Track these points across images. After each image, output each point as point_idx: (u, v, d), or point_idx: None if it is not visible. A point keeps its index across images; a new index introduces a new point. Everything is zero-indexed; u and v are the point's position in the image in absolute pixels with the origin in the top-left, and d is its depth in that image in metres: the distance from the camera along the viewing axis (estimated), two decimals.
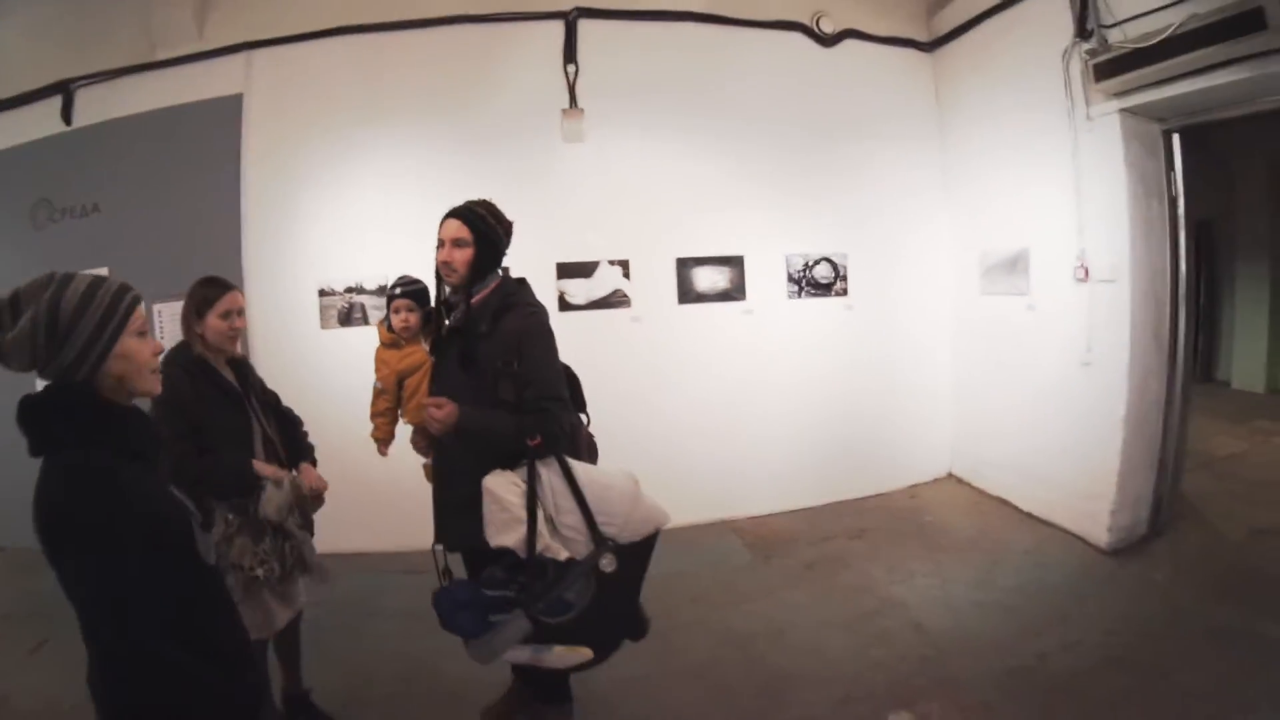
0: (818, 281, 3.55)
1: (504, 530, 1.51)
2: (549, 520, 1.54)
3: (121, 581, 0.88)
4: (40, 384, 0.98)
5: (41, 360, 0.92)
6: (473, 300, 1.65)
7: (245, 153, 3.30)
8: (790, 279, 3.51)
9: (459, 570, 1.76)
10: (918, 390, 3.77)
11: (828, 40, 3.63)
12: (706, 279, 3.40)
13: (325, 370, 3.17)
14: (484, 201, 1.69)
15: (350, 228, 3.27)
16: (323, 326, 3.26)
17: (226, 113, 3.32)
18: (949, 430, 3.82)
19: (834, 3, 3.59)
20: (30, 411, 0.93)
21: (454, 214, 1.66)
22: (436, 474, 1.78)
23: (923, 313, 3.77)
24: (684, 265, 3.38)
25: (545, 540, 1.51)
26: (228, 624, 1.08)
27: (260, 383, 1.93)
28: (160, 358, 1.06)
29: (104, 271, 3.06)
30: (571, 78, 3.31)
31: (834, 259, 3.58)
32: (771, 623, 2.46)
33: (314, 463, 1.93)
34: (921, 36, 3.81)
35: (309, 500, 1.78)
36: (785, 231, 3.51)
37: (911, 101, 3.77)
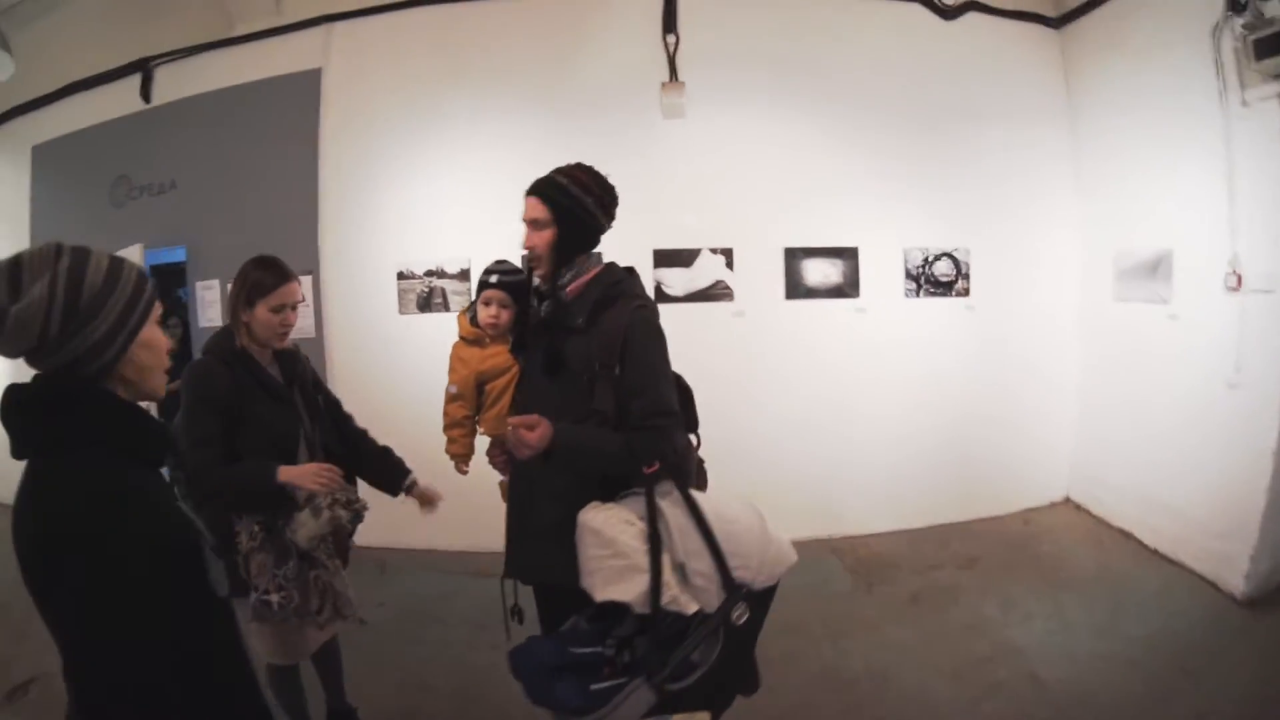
0: (938, 279, 3.09)
1: (616, 580, 1.17)
2: (677, 567, 1.19)
3: (132, 612, 0.73)
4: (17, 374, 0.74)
5: (50, 342, 0.74)
6: (567, 289, 1.32)
7: (323, 129, 3.08)
8: (909, 275, 3.07)
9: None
10: (1038, 404, 3.28)
11: (949, 12, 3.16)
12: (817, 272, 2.99)
13: (402, 357, 2.93)
14: (573, 167, 1.34)
15: (431, 208, 3.00)
16: (401, 311, 3.00)
17: (304, 88, 3.10)
18: (1069, 451, 3.32)
19: None
20: (26, 406, 0.76)
21: (531, 189, 1.32)
22: (513, 496, 1.43)
23: (1049, 317, 3.28)
24: (793, 256, 2.98)
25: (672, 591, 1.17)
26: (231, 660, 0.89)
27: (313, 378, 1.64)
28: (168, 349, 0.88)
29: (181, 250, 2.77)
30: (671, 49, 2.95)
31: (955, 255, 3.12)
32: (873, 664, 2.15)
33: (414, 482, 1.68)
34: (1049, 11, 3.32)
35: (347, 532, 1.50)
36: (903, 223, 3.07)
37: (1038, 83, 3.28)
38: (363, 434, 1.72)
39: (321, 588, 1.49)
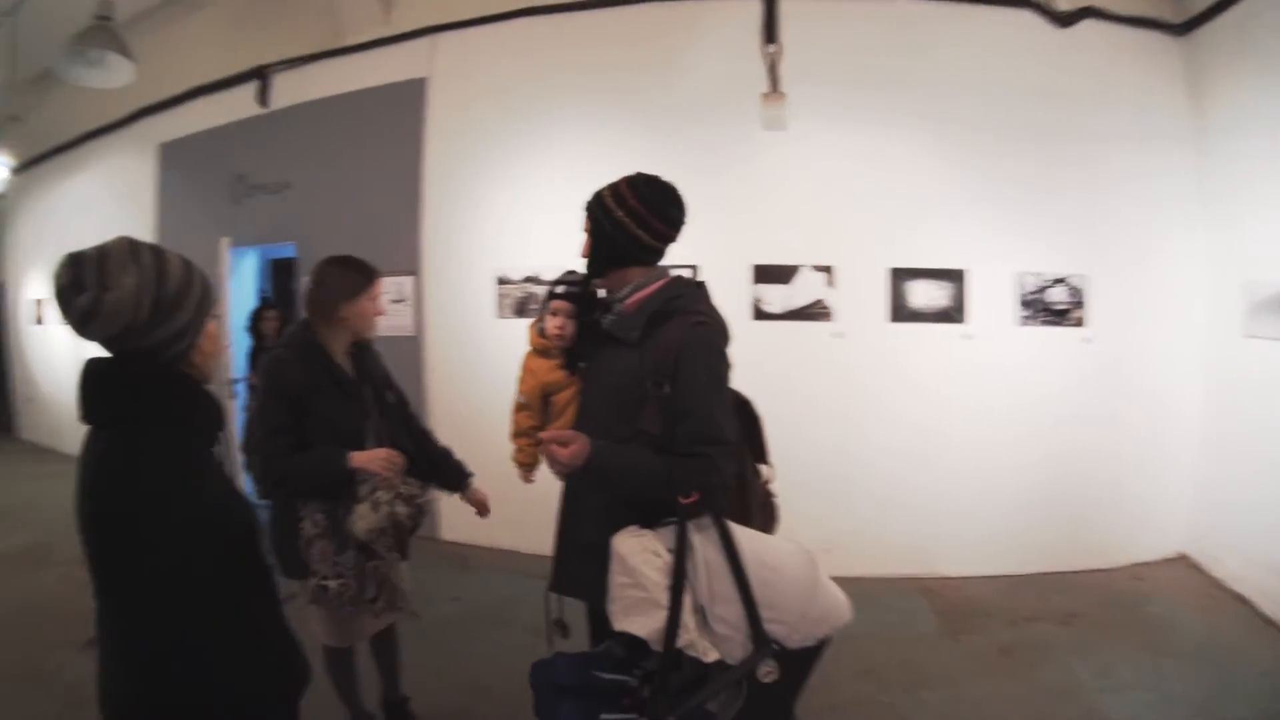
0: (1051, 307, 2.85)
1: (633, 611, 1.09)
2: (699, 609, 1.09)
3: (188, 573, 0.78)
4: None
5: (137, 330, 0.80)
6: (626, 301, 1.24)
7: (428, 136, 3.15)
8: (1022, 302, 2.85)
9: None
10: (1156, 449, 2.98)
11: (1063, 19, 2.93)
12: (923, 294, 2.81)
13: (498, 360, 2.82)
14: (624, 177, 1.25)
15: (530, 215, 3.02)
16: (499, 316, 3.04)
17: (411, 96, 3.19)
18: (1188, 502, 2.99)
19: None
20: (108, 378, 0.82)
21: None
22: (561, 508, 1.41)
23: (1171, 352, 2.97)
24: (898, 277, 2.81)
25: (690, 635, 1.07)
26: (275, 626, 0.96)
27: (384, 375, 1.66)
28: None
29: (292, 247, 2.96)
30: (772, 59, 2.85)
31: (1071, 281, 2.86)
32: None
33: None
34: (1170, 16, 3.01)
35: (407, 528, 1.50)
36: (1015, 245, 2.85)
37: (1159, 95, 2.98)
38: (427, 434, 1.74)
39: (379, 578, 1.51)
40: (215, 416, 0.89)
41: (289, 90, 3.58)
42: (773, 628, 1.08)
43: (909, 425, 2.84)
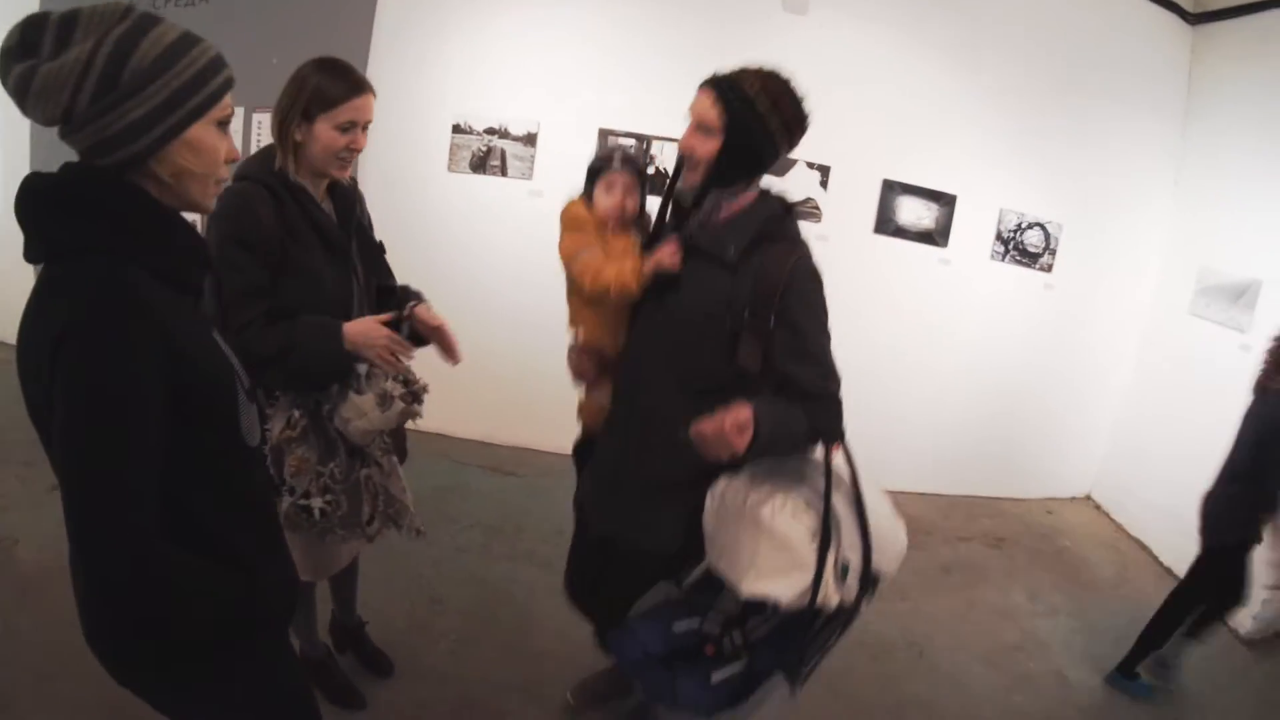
0: (1026, 248, 2.68)
1: (773, 575, 0.97)
2: (840, 564, 1.00)
3: (123, 448, 0.56)
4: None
5: (77, 115, 0.57)
6: (720, 214, 1.03)
7: None
8: (999, 237, 2.66)
9: None
10: (1083, 397, 2.94)
11: None
12: (911, 212, 2.55)
13: (445, 219, 2.46)
14: (769, 74, 1.00)
15: (502, 59, 2.45)
16: (450, 169, 2.48)
17: None
18: (1101, 447, 3.01)
19: None
20: (43, 198, 0.60)
21: (710, 81, 1.00)
22: (613, 428, 1.13)
23: (1119, 314, 2.89)
24: (890, 189, 2.54)
25: (828, 591, 0.98)
26: (256, 519, 0.74)
27: (369, 222, 1.21)
28: (230, 169, 0.67)
29: None
30: None
31: (1048, 227, 2.69)
32: (909, 634, 1.98)
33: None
34: (1187, 5, 2.82)
35: (405, 418, 1.13)
36: (1003, 182, 2.63)
37: (1161, 72, 2.79)
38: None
39: (374, 491, 1.14)
40: (189, 254, 0.65)
41: None
42: (877, 561, 1.01)
43: (875, 340, 2.63)
